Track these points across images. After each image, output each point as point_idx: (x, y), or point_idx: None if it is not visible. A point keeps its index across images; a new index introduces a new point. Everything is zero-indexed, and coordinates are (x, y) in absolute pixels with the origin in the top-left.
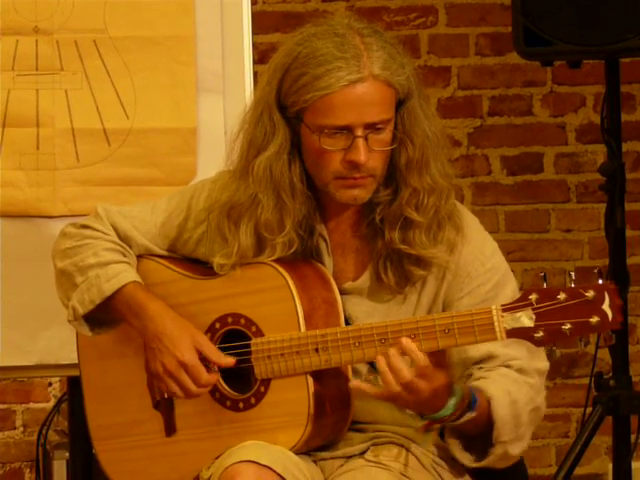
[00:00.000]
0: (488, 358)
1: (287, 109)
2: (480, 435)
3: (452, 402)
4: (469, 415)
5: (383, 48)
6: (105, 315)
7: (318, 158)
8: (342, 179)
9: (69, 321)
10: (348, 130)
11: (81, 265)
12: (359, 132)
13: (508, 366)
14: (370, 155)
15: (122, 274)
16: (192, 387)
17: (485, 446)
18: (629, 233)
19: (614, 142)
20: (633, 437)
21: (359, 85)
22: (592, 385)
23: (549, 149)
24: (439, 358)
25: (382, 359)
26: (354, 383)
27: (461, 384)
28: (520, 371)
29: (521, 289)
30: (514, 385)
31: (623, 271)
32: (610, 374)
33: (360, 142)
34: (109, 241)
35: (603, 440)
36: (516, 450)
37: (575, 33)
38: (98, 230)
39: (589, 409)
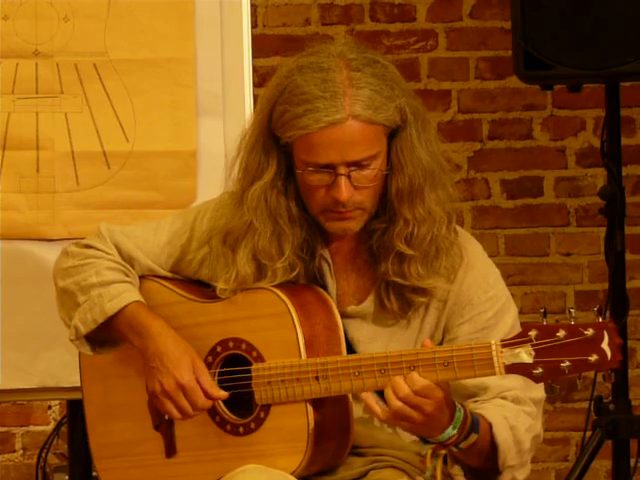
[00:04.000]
0: (482, 390)
1: (279, 139)
2: (485, 464)
3: (459, 417)
4: (474, 436)
5: (369, 84)
6: (107, 335)
7: (305, 191)
8: (329, 212)
9: (71, 340)
10: (331, 168)
11: (83, 284)
12: (341, 170)
13: (503, 397)
14: (356, 190)
15: (124, 294)
16: (188, 409)
17: (491, 475)
18: (629, 257)
19: (614, 166)
20: (633, 461)
21: (338, 126)
22: (592, 409)
23: (549, 173)
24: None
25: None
26: (365, 396)
27: (459, 403)
28: (515, 401)
29: (521, 312)
30: (511, 412)
31: (623, 295)
32: (610, 398)
33: (342, 180)
34: (111, 260)
35: (603, 464)
36: (522, 476)
37: (575, 57)
38: (100, 250)
39: (589, 433)
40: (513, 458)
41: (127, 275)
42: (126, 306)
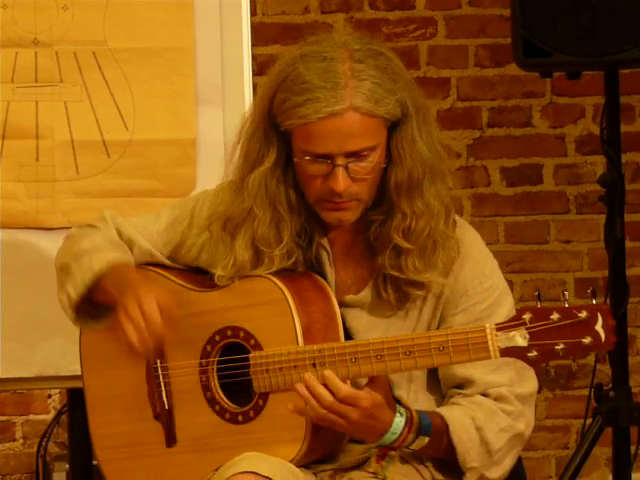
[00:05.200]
0: (467, 383)
1: (279, 126)
2: (451, 459)
3: (398, 423)
4: (424, 439)
5: (371, 77)
6: (97, 307)
7: (303, 180)
8: (325, 202)
9: (64, 309)
10: (328, 158)
11: (76, 252)
12: (339, 161)
13: (486, 394)
14: (352, 181)
15: (113, 255)
16: (143, 332)
17: (460, 472)
18: (629, 244)
19: (613, 153)
20: (633, 448)
21: (338, 117)
22: (592, 396)
23: (548, 160)
24: (374, 380)
25: (301, 386)
26: (290, 406)
27: (405, 407)
28: (498, 399)
29: (520, 300)
30: (485, 413)
31: (623, 282)
32: (610, 385)
33: (339, 171)
34: (110, 236)
35: (603, 451)
36: (495, 474)
37: (574, 44)
38: (100, 228)
39: (589, 420)
40: (475, 460)
41: (124, 252)
42: (113, 266)
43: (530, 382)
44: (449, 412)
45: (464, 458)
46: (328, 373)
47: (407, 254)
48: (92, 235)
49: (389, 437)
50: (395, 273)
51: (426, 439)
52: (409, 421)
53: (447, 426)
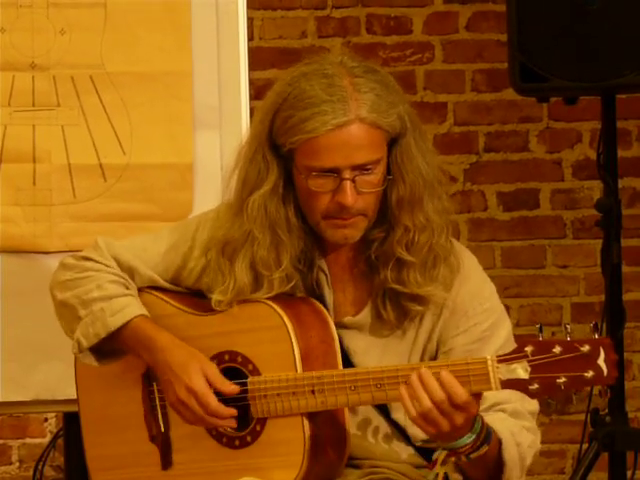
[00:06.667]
0: None
1: (279, 147)
2: (485, 477)
3: (474, 430)
4: (485, 447)
5: (372, 89)
6: (112, 347)
7: (307, 198)
8: (331, 219)
9: (74, 354)
10: (335, 172)
11: (85, 298)
12: (346, 174)
13: (502, 410)
14: (359, 196)
15: (127, 308)
16: (201, 413)
17: None
18: (625, 269)
19: (610, 178)
20: (629, 473)
21: (345, 129)
22: (588, 421)
23: (545, 185)
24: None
25: (415, 378)
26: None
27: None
28: (514, 415)
29: (517, 325)
30: (516, 428)
31: (619, 307)
32: (606, 410)
33: (347, 185)
34: (111, 273)
35: (599, 476)
36: None
37: (571, 69)
38: (99, 262)
39: (585, 445)
40: (517, 476)
41: (127, 288)
42: (130, 321)
43: (533, 401)
44: (496, 426)
45: (510, 475)
46: (447, 377)
47: (409, 268)
48: (96, 278)
49: (464, 440)
50: (397, 287)
51: (486, 448)
52: (482, 427)
53: (499, 441)
